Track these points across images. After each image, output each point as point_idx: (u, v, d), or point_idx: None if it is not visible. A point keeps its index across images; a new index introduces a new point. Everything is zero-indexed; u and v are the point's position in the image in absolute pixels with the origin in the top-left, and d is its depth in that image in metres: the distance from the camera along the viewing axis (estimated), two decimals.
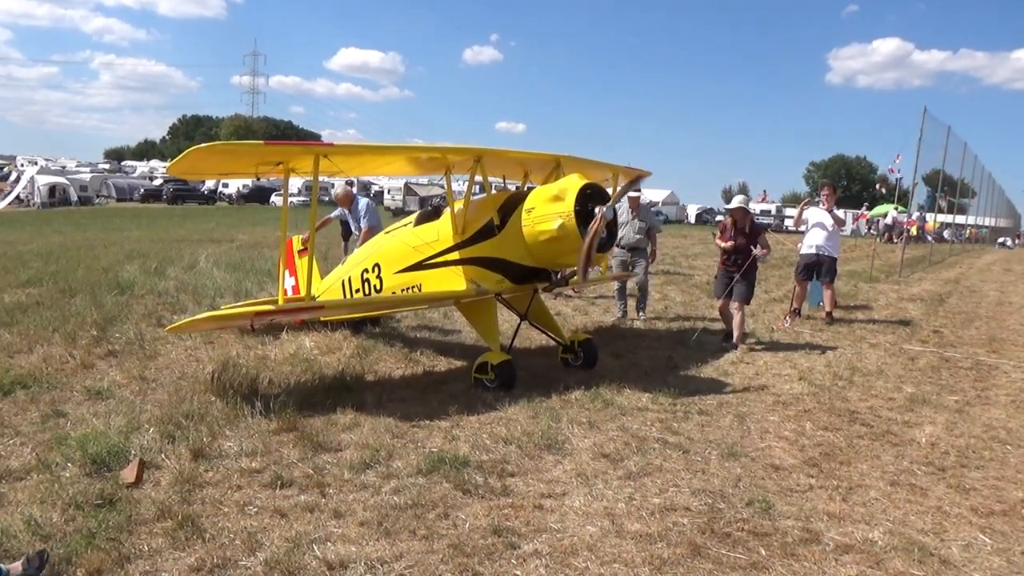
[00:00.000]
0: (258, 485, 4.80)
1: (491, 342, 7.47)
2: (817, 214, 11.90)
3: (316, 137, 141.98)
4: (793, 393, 7.47)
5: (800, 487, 5.14)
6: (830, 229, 11.75)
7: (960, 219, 47.72)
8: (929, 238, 37.02)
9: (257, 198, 63.90)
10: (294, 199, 60.55)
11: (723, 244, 9.67)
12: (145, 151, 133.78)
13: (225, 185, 67.69)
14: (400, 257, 8.24)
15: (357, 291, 8.70)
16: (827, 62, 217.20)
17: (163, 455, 5.14)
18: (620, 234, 10.31)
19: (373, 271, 8.51)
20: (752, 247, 9.41)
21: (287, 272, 9.62)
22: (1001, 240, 57.18)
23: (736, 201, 10.00)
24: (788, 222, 42.44)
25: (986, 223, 54.13)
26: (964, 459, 5.87)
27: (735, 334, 9.59)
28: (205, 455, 5.20)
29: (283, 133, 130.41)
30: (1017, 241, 60.00)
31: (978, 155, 37.21)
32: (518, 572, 3.88)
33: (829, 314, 11.79)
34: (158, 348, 8.23)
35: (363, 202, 11.00)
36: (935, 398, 7.60)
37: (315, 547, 4.01)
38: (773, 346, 9.73)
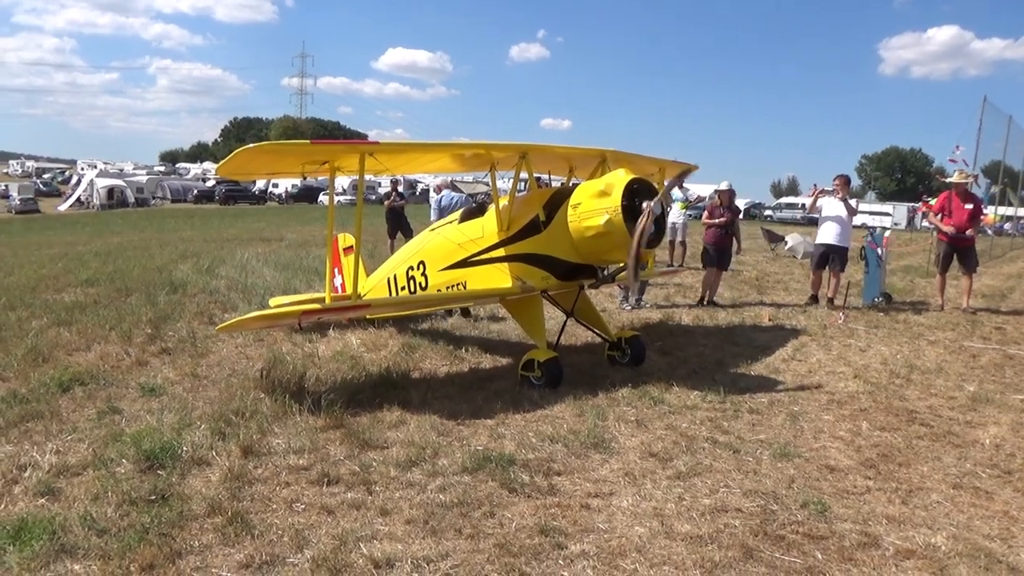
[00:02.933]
0: (305, 482, 4.83)
1: (537, 339, 7.43)
2: (832, 205, 12.04)
3: (363, 137, 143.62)
4: (848, 392, 7.25)
5: (857, 489, 4.97)
6: (844, 221, 12.04)
7: (1023, 212, 45.91)
8: (989, 231, 35.74)
9: (306, 197, 65.01)
10: (340, 198, 61.61)
11: (716, 220, 12.22)
12: (198, 153, 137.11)
13: (275, 185, 68.98)
14: (445, 254, 8.22)
15: (402, 289, 8.71)
16: (878, 53, 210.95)
17: (214, 452, 5.21)
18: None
19: (418, 268, 8.51)
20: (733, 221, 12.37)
21: (335, 270, 9.65)
22: None
23: (724, 184, 12.68)
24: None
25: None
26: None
27: (709, 295, 12.22)
28: (254, 452, 5.25)
29: (331, 133, 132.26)
30: None
31: None
32: (565, 573, 3.82)
33: (831, 300, 12.23)
34: (209, 346, 8.38)
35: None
36: (999, 397, 7.28)
37: (361, 545, 4.01)
38: (826, 343, 9.48)
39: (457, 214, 8.73)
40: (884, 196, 79.82)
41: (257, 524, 4.23)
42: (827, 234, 12.21)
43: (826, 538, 4.26)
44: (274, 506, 4.49)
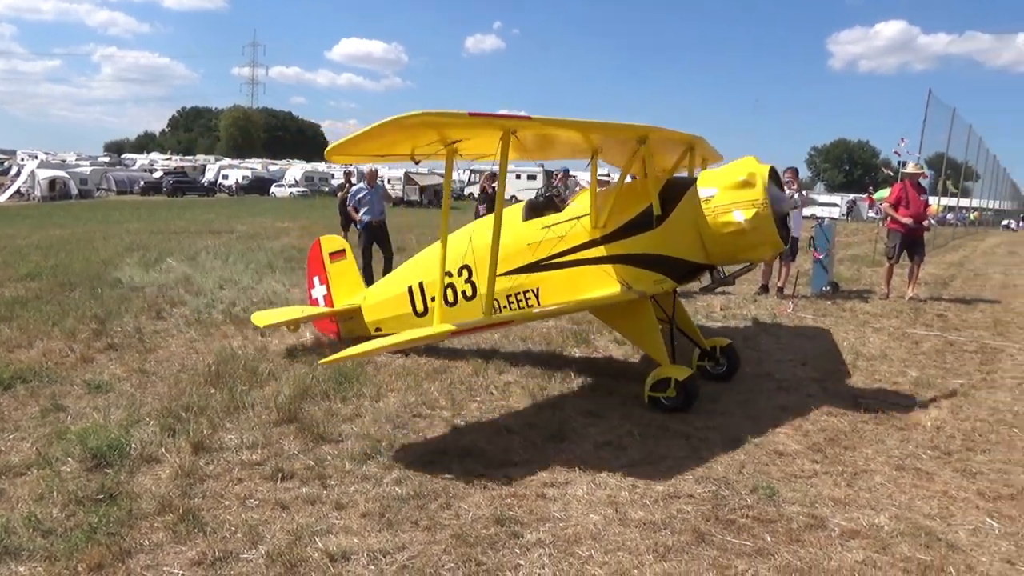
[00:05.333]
0: (259, 477, 4.78)
1: (659, 354, 6.50)
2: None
3: (316, 127, 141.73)
4: (797, 378, 7.43)
5: (805, 473, 5.10)
6: (796, 213, 11.97)
7: (964, 202, 47.53)
8: (932, 221, 36.88)
9: (257, 189, 63.82)
10: (293, 190, 60.72)
11: None
12: (145, 144, 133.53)
13: (225, 177, 67.62)
14: (505, 257, 6.72)
15: (434, 299, 7.16)
16: (827, 47, 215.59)
17: (163, 448, 5.11)
18: None
19: (460, 275, 7.30)
20: None
21: (316, 280, 8.61)
22: (1005, 223, 57.04)
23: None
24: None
25: (990, 206, 53.97)
26: (970, 443, 5.82)
27: None
28: (205, 448, 5.17)
29: (283, 124, 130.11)
30: (1021, 223, 59.83)
31: (983, 138, 36.97)
32: (521, 562, 3.85)
33: (780, 289, 12.63)
34: (158, 341, 8.20)
35: None
36: (940, 382, 7.54)
37: (317, 539, 3.98)
38: (776, 332, 9.69)
39: (517, 207, 7.53)
40: (833, 187, 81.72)
41: (209, 521, 4.17)
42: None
43: (775, 521, 4.37)
44: (227, 502, 4.43)
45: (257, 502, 4.45)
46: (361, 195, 12.54)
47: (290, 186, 62.77)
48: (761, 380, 7.35)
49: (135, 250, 16.55)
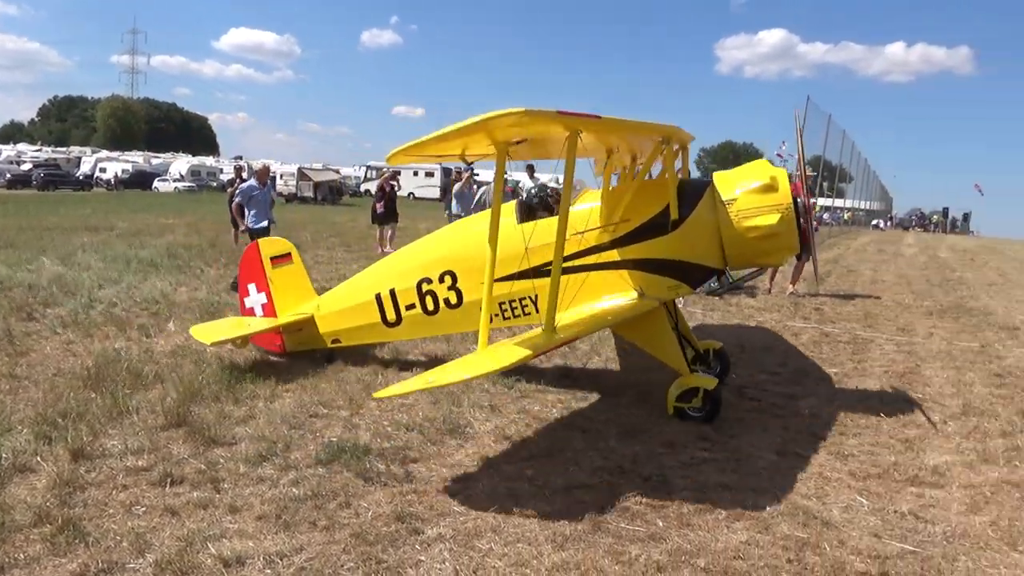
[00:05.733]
0: (146, 484, 4.57)
1: (680, 364, 6.32)
2: None
3: (203, 120, 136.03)
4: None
5: (694, 460, 5.34)
6: None
7: (839, 202, 50.59)
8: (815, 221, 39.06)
9: (138, 183, 60.47)
10: (178, 184, 57.96)
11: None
12: (11, 134, 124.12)
13: (102, 170, 63.80)
14: (498, 262, 6.19)
15: (409, 307, 7.00)
16: (715, 52, 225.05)
17: (38, 457, 4.81)
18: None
19: (442, 281, 6.89)
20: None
21: (253, 287, 7.69)
22: (875, 222, 61.10)
23: (551, 180, 12.73)
24: None
25: (862, 206, 57.68)
26: (843, 428, 6.23)
27: None
28: (86, 455, 4.89)
29: (167, 115, 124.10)
30: (889, 223, 64.29)
31: (855, 142, 39.51)
32: (422, 557, 3.86)
33: None
34: (30, 344, 7.68)
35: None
36: (816, 371, 8.04)
37: (209, 544, 3.86)
38: None
39: (508, 207, 6.88)
40: None
41: (92, 531, 3.96)
42: None
43: (667, 507, 4.55)
44: (111, 511, 4.22)
45: (144, 509, 4.26)
46: (254, 193, 11.88)
47: (175, 180, 59.86)
48: (656, 373, 7.59)
49: (2, 248, 15.40)
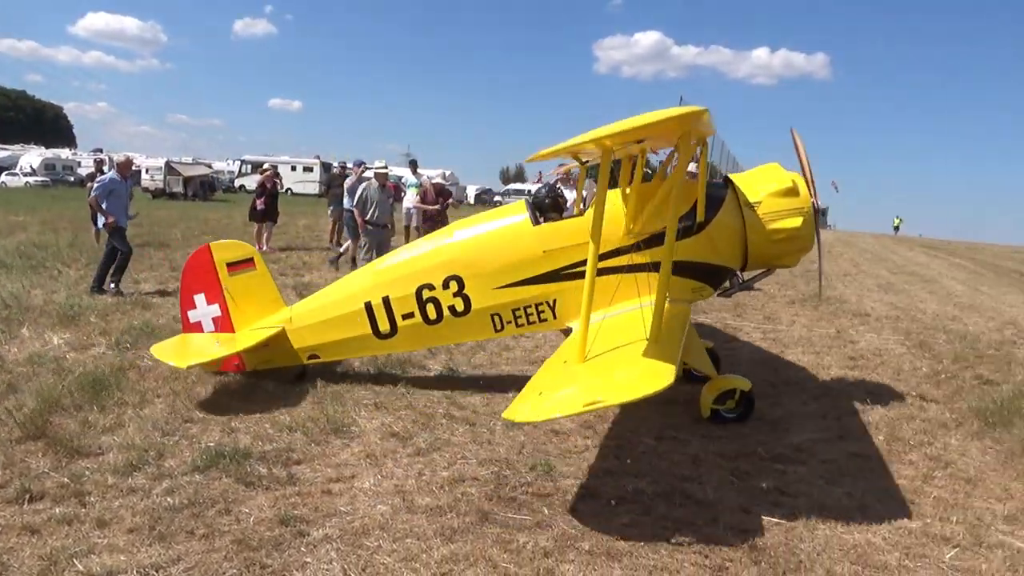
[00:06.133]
0: (1, 502, 4.24)
1: (707, 367, 6.34)
2: (565, 192, 12.78)
3: (58, 109, 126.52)
4: None
5: (578, 448, 5.49)
6: (571, 206, 12.78)
7: None
8: None
9: None
10: (30, 178, 53.59)
11: (429, 206, 13.36)
12: None
13: None
14: (509, 266, 6.40)
15: (407, 316, 6.56)
16: (594, 52, 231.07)
17: None
18: (375, 211, 11.30)
19: (446, 287, 6.49)
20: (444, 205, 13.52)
21: (201, 298, 6.75)
22: None
23: (436, 176, 14.13)
24: None
25: None
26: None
27: None
28: None
29: (15, 104, 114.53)
30: None
31: (725, 142, 41.46)
32: (308, 560, 3.79)
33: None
34: None
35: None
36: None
37: (76, 561, 3.63)
38: None
39: (517, 208, 6.79)
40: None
41: None
42: None
43: (552, 495, 4.67)
44: None
45: (0, 529, 3.95)
46: (115, 187, 11.04)
47: (25, 174, 55.26)
48: (538, 365, 7.74)
49: None
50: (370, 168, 12.03)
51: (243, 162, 57.41)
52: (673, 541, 4.16)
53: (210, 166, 55.09)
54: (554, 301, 6.43)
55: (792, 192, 6.48)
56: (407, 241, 17.16)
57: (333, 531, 4.07)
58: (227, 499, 4.38)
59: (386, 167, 12.05)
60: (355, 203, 11.46)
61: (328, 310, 6.75)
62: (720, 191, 6.54)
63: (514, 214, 6.79)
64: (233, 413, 5.83)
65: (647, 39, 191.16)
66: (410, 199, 16.70)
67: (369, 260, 11.39)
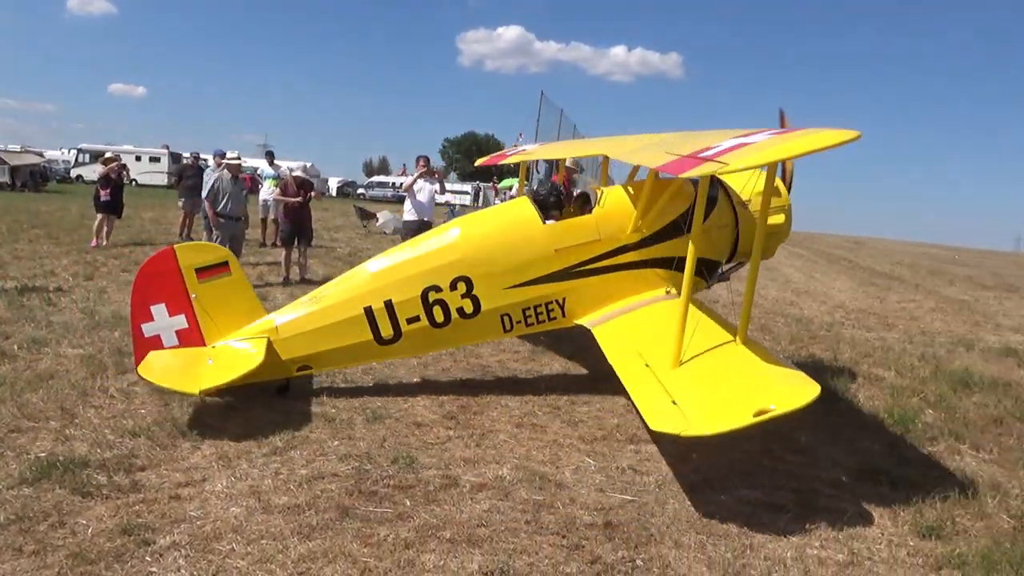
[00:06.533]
0: None
1: None
2: (425, 184, 12.67)
3: None
4: (432, 356, 7.91)
5: (440, 439, 5.51)
6: (433, 199, 12.85)
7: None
8: None
9: None
10: None
11: (290, 199, 12.30)
12: None
13: None
14: (521, 265, 6.40)
15: (412, 321, 6.29)
16: (457, 45, 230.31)
17: None
18: (227, 203, 10.88)
19: (454, 288, 6.31)
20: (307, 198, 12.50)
21: (161, 309, 5.92)
22: None
23: (297, 168, 13.38)
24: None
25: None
26: (575, 397, 6.77)
27: (300, 272, 12.27)
28: None
29: None
30: None
31: (586, 135, 42.65)
32: (154, 569, 3.59)
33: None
34: None
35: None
36: (554, 347, 8.63)
37: None
38: None
39: (521, 205, 6.82)
40: (464, 176, 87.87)
41: None
42: (422, 211, 12.75)
43: (414, 486, 4.66)
44: None
45: None
46: None
47: None
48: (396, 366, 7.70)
49: None
50: (237, 160, 11.40)
51: (80, 151, 53.19)
52: (532, 524, 4.26)
53: (42, 155, 50.65)
54: (563, 299, 6.52)
55: (776, 191, 6.73)
56: (263, 235, 16.57)
57: (182, 537, 3.87)
58: (61, 511, 4.07)
59: (239, 157, 11.54)
60: (206, 195, 10.90)
61: (322, 317, 6.27)
62: (713, 190, 6.70)
63: (521, 213, 6.77)
64: (68, 419, 5.41)
65: (510, 33, 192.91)
66: (267, 191, 16.10)
67: None
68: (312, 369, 6.34)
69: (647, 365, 5.36)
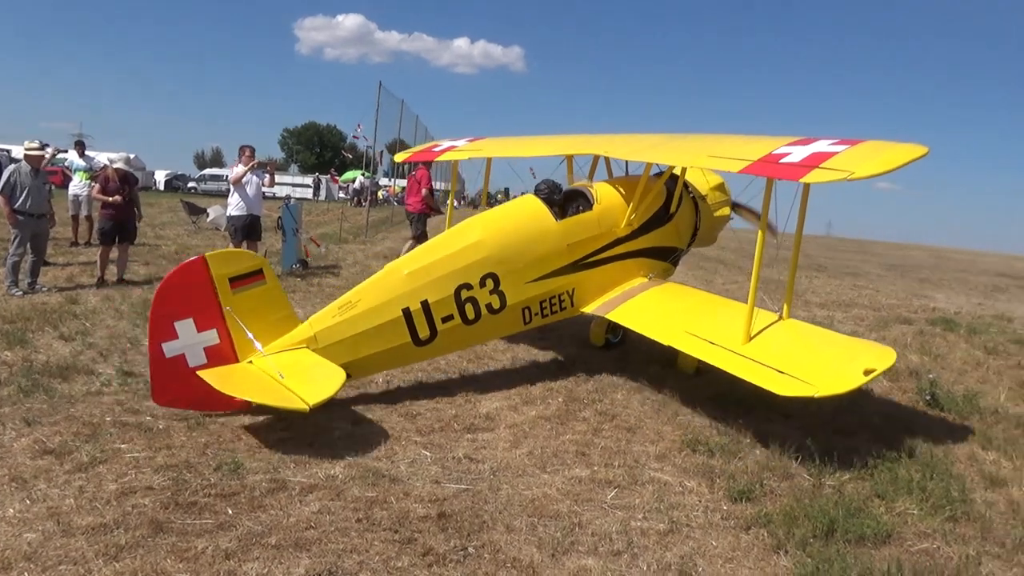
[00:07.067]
0: None
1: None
2: (250, 177, 12.06)
3: None
4: None
5: (269, 442, 5.27)
6: (261, 192, 12.32)
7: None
8: (394, 201, 41.22)
9: None
10: None
11: (108, 198, 10.94)
12: None
13: None
14: (537, 260, 6.91)
15: (447, 319, 6.40)
16: (295, 32, 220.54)
17: None
18: (26, 199, 9.84)
19: (483, 285, 6.57)
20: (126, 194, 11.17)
21: (188, 325, 5.39)
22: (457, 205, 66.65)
23: (117, 159, 11.91)
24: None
25: (439, 187, 62.51)
26: (414, 390, 6.71)
27: (118, 272, 11.21)
28: None
29: None
30: (461, 202, 70.67)
31: (428, 128, 42.37)
32: None
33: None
34: None
35: None
36: None
37: None
38: None
39: (528, 202, 7.41)
40: (306, 169, 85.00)
41: None
42: (251, 205, 12.17)
43: (238, 493, 4.43)
44: None
45: None
46: None
47: None
48: None
49: None
50: (38, 151, 10.12)
51: None
52: (364, 522, 4.17)
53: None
54: (572, 290, 7.14)
55: (723, 187, 8.34)
56: (75, 233, 15.16)
57: None
58: None
59: (41, 147, 10.45)
60: (0, 190, 9.75)
61: (361, 321, 6.09)
62: (676, 186, 7.82)
63: (535, 211, 7.24)
64: None
65: (350, 22, 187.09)
66: (77, 185, 14.80)
67: (20, 255, 9.86)
68: (352, 376, 6.04)
69: (712, 343, 6.01)
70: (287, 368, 5.44)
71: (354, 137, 24.53)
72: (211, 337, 5.51)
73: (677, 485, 4.94)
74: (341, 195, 48.93)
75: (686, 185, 7.96)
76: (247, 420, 5.65)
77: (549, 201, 7.32)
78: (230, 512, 4.18)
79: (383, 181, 43.07)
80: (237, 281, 5.61)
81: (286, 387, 5.25)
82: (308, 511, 4.25)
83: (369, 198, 28.68)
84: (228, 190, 12.59)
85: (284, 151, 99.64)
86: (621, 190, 7.62)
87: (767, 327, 6.12)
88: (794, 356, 5.69)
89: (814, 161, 5.43)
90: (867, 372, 5.19)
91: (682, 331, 6.34)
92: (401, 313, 6.24)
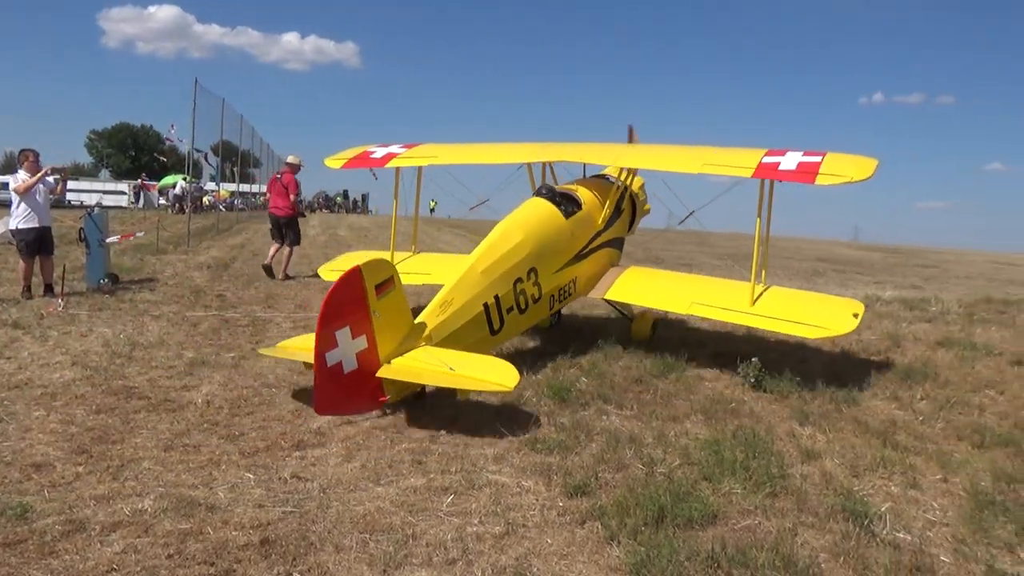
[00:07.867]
0: None
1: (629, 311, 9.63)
2: (38, 185, 11.02)
3: None
4: (64, 381, 6.82)
5: (65, 479, 4.71)
6: (41, 199, 11.24)
7: (246, 187, 51.04)
8: (221, 207, 38.98)
9: None
10: None
11: None
12: None
13: None
14: (558, 253, 7.99)
15: (510, 310, 7.27)
16: (100, 24, 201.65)
17: None
18: None
19: (529, 278, 7.52)
20: None
21: (345, 332, 5.59)
22: None
23: None
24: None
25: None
26: (236, 409, 6.27)
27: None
28: None
29: None
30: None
31: (256, 127, 40.33)
32: None
33: (48, 287, 11.36)
34: None
35: None
36: (214, 358, 7.95)
37: None
38: (43, 334, 8.70)
39: (538, 203, 8.38)
40: (120, 174, 78.53)
41: None
42: (42, 216, 11.17)
43: (25, 540, 3.90)
44: None
45: None
46: None
47: None
48: (22, 390, 6.52)
49: None
50: None
51: None
52: (175, 557, 3.80)
53: None
54: (576, 278, 8.28)
55: (642, 188, 9.93)
56: None
57: None
58: None
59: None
60: None
61: (458, 317, 6.71)
62: (614, 187, 9.18)
63: (550, 211, 8.27)
64: None
65: (164, 13, 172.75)
66: None
67: None
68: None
69: (726, 308, 7.58)
70: (452, 361, 6.02)
71: (167, 140, 22.89)
72: (362, 343, 5.82)
73: (515, 486, 4.91)
74: (162, 202, 45.64)
75: (626, 186, 9.46)
76: (39, 457, 5.03)
77: (553, 202, 8.39)
78: (15, 561, 3.67)
79: (209, 186, 40.59)
80: (380, 287, 5.94)
81: (472, 376, 5.90)
82: (109, 552, 3.81)
83: (191, 204, 26.89)
84: (10, 200, 11.26)
85: (92, 155, 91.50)
86: (594, 191, 8.98)
87: (762, 293, 7.69)
88: (798, 311, 7.32)
89: (811, 168, 7.03)
90: (855, 315, 7.17)
91: (690, 302, 7.75)
92: (482, 308, 6.96)
